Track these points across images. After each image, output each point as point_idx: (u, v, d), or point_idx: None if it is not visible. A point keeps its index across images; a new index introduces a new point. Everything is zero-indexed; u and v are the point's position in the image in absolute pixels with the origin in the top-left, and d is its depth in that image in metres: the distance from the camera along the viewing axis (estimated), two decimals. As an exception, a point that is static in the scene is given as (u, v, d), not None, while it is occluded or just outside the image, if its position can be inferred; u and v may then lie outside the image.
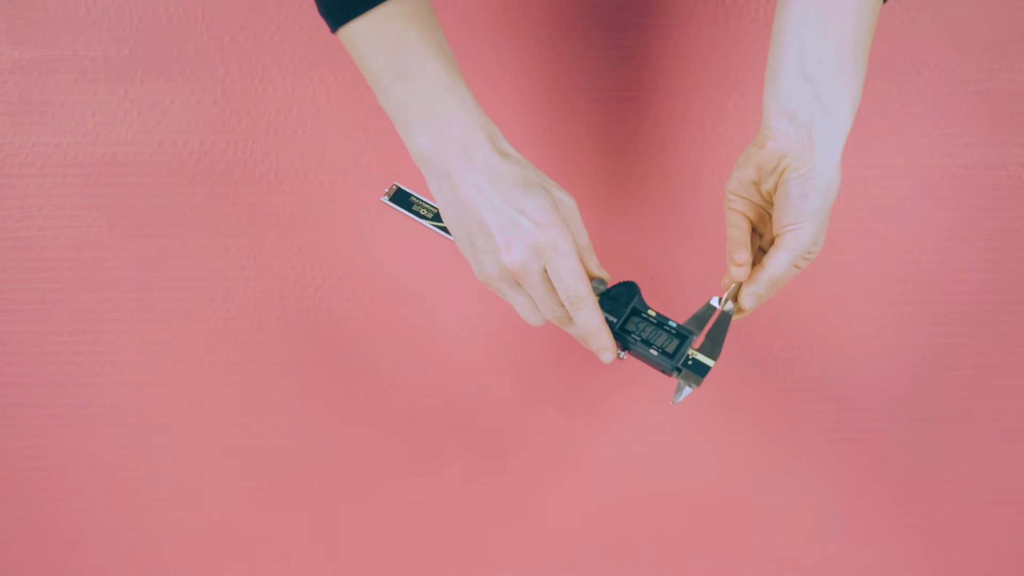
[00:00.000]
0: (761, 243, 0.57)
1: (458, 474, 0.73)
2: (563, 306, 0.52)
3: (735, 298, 0.56)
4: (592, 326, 0.52)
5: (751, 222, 0.56)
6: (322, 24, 0.74)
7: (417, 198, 0.59)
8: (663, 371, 0.56)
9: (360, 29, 0.49)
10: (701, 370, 0.55)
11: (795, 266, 0.54)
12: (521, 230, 0.49)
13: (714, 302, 0.57)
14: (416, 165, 0.53)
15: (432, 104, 0.50)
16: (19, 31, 0.74)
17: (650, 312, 0.56)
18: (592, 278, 0.54)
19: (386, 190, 0.60)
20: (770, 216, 0.55)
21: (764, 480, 0.72)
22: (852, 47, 0.49)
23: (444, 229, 0.58)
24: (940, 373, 0.72)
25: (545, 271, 0.51)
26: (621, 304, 0.55)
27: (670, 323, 0.55)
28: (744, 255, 0.54)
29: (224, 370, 0.73)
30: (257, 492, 0.73)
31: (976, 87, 0.73)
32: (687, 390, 0.56)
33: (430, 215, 0.59)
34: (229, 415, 0.73)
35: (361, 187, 0.73)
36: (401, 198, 0.59)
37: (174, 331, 0.73)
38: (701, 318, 0.56)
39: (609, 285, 0.56)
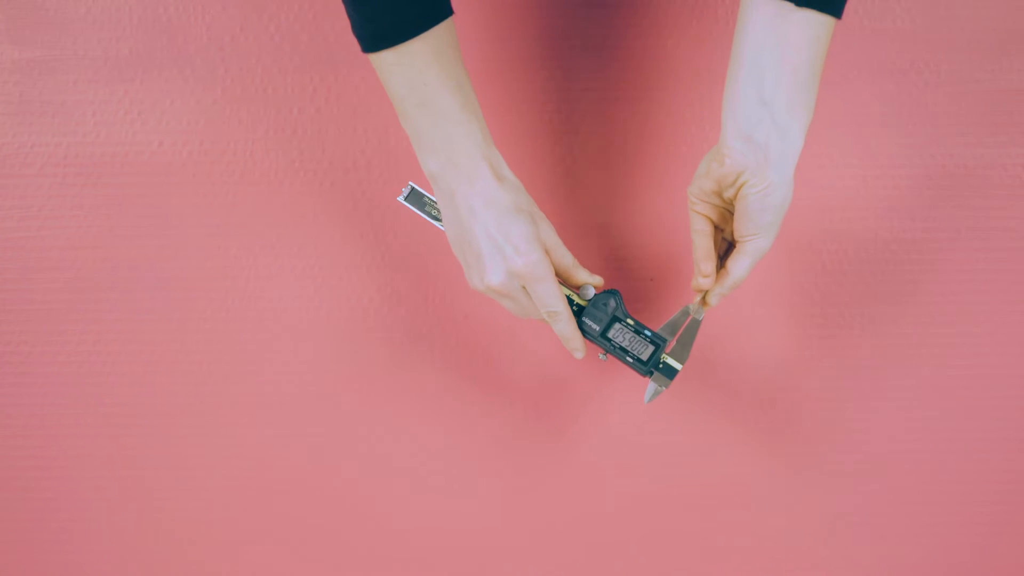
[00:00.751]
0: (724, 235, 0.62)
1: (457, 474, 0.73)
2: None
3: (703, 301, 0.62)
4: (566, 333, 0.60)
5: (713, 223, 0.60)
6: (322, 24, 0.75)
7: (430, 199, 0.64)
8: (638, 373, 0.62)
9: (387, 59, 0.54)
10: (670, 373, 0.62)
11: None
12: (503, 255, 0.56)
13: (688, 308, 0.63)
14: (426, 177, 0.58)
15: (444, 135, 0.56)
16: (19, 31, 0.74)
17: (629, 320, 0.62)
18: (580, 286, 0.62)
19: (403, 190, 0.64)
20: (731, 214, 0.59)
21: (764, 480, 0.72)
22: (807, 73, 0.52)
23: None
24: (940, 373, 0.72)
25: (525, 287, 0.57)
26: (604, 312, 0.61)
27: (646, 331, 0.62)
28: (710, 267, 0.60)
29: (224, 370, 0.73)
30: (257, 492, 0.73)
31: (976, 87, 0.73)
32: (658, 390, 0.63)
33: (441, 216, 0.63)
34: (229, 415, 0.73)
35: (361, 187, 0.73)
36: (415, 198, 0.64)
37: (174, 331, 0.73)
38: (675, 324, 0.63)
39: (599, 289, 0.62)
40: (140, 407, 0.73)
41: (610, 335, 0.61)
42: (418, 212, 0.63)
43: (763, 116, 0.52)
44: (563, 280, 0.62)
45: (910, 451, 0.72)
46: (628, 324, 0.61)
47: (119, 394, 0.73)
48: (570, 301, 0.62)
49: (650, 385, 0.63)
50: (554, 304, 0.58)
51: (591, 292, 0.62)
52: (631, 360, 0.61)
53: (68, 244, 0.73)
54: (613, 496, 0.72)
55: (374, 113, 0.73)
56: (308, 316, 0.73)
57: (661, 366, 0.62)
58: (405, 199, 0.63)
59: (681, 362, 0.62)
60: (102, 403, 0.73)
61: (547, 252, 0.58)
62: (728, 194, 0.56)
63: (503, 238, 0.56)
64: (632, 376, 0.71)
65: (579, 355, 0.61)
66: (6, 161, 0.74)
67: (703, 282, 0.61)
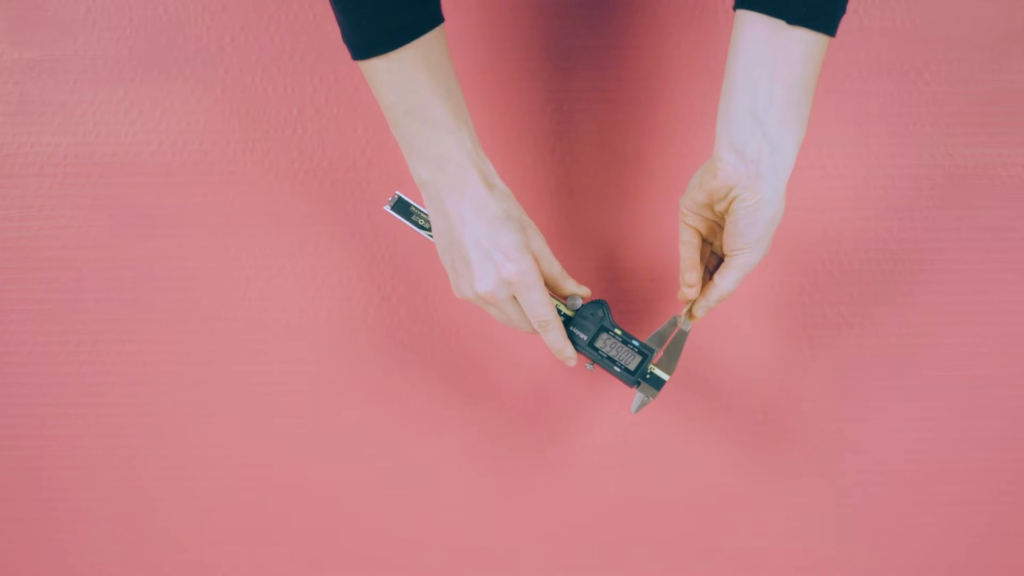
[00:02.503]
0: (713, 248, 0.62)
1: (452, 477, 0.73)
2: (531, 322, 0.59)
3: (690, 313, 0.62)
4: (557, 344, 0.60)
5: (702, 236, 0.61)
6: (321, 24, 0.75)
7: (416, 208, 0.64)
8: (626, 383, 0.62)
9: (377, 67, 0.54)
10: (658, 384, 0.62)
11: None
12: (494, 263, 0.56)
13: (675, 319, 0.63)
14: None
15: (434, 143, 0.56)
16: (19, 31, 0.74)
17: (617, 330, 0.62)
18: (567, 296, 0.62)
19: (389, 199, 0.64)
20: (721, 228, 0.59)
21: (763, 480, 0.72)
22: (799, 90, 0.52)
23: None
24: (941, 373, 0.72)
25: (515, 297, 0.57)
26: (592, 322, 0.62)
27: (634, 341, 0.62)
28: (695, 277, 0.61)
29: (223, 370, 0.73)
30: (256, 492, 0.73)
31: (976, 87, 0.73)
32: (644, 401, 0.62)
33: (428, 225, 0.63)
34: (228, 415, 0.73)
35: (361, 187, 0.73)
36: (402, 207, 0.64)
37: (174, 331, 0.73)
38: (662, 334, 0.63)
39: (587, 300, 0.62)
40: (140, 407, 0.73)
41: (597, 345, 0.62)
42: (404, 221, 0.63)
43: (756, 131, 0.52)
44: (551, 290, 0.62)
45: (910, 451, 0.72)
46: (616, 334, 0.62)
47: (119, 394, 0.73)
48: (558, 311, 0.62)
49: (637, 395, 0.63)
50: (544, 313, 0.58)
51: (579, 303, 0.62)
52: (618, 370, 0.62)
53: (68, 244, 0.73)
54: (612, 497, 0.72)
55: (374, 113, 0.73)
56: (308, 316, 0.73)
57: (648, 377, 0.62)
58: (391, 208, 0.64)
59: (668, 373, 0.62)
60: (102, 403, 0.73)
61: (536, 261, 0.58)
62: (719, 207, 0.57)
63: (493, 246, 0.56)
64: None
65: (571, 363, 0.62)
66: (6, 161, 0.74)
67: (688, 292, 0.61)
